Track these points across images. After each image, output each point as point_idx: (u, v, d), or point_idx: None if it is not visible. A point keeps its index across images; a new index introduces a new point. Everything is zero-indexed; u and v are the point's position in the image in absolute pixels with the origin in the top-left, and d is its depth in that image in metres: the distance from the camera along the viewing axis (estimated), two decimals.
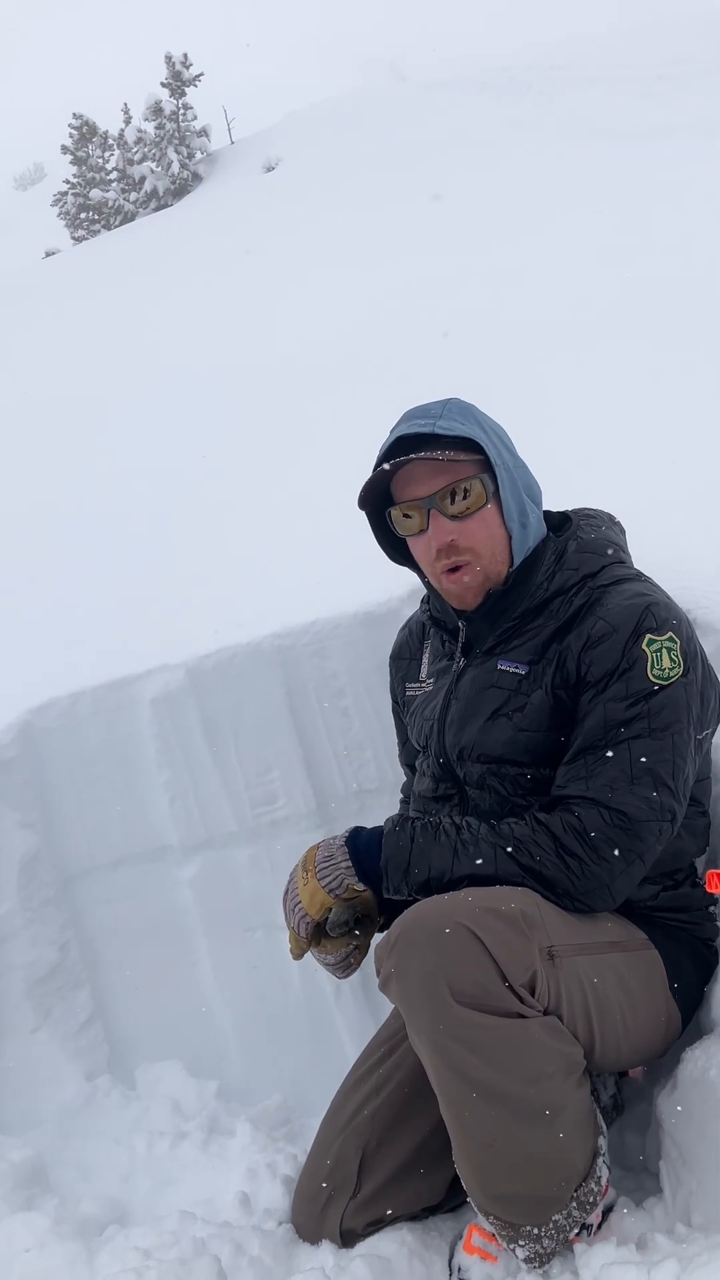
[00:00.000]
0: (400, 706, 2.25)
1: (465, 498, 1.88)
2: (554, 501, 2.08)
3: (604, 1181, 1.77)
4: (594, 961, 1.75)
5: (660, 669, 1.76)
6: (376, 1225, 1.96)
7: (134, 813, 2.64)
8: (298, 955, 1.97)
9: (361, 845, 1.85)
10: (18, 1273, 1.89)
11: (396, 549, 2.06)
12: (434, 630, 2.14)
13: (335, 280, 6.88)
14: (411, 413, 1.93)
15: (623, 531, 2.12)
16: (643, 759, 1.73)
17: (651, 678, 1.76)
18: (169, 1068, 2.58)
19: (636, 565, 2.03)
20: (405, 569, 2.11)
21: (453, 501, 1.88)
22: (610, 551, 1.96)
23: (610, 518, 2.12)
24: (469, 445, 1.88)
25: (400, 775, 2.39)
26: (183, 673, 2.64)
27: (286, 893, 1.92)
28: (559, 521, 2.06)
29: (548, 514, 2.05)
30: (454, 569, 1.92)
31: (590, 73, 16.85)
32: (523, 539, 1.93)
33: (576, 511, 2.09)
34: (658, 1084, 1.94)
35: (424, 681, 2.13)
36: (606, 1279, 1.60)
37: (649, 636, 1.77)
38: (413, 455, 1.85)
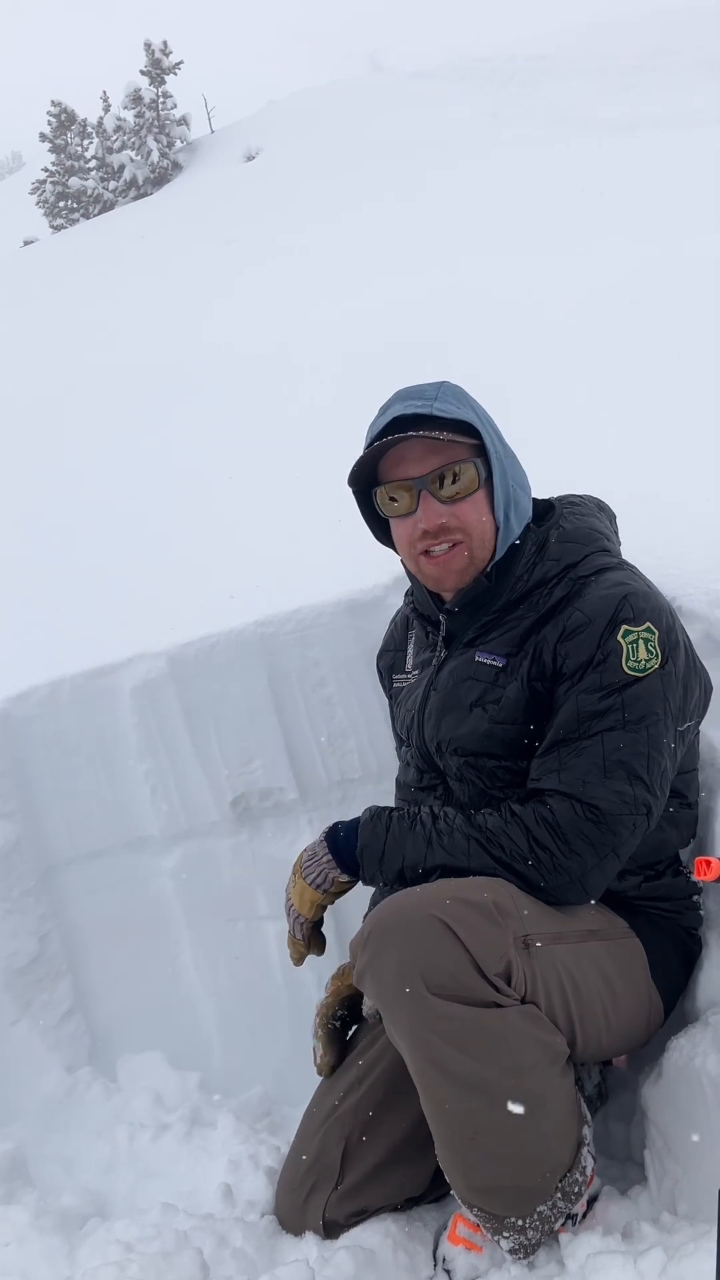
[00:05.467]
0: (390, 699, 2.23)
1: (456, 481, 1.85)
2: (544, 491, 2.05)
3: (589, 1171, 1.76)
4: (572, 950, 1.74)
5: (636, 660, 1.73)
6: (360, 1216, 1.95)
7: (114, 802, 2.62)
8: (297, 960, 2.01)
9: (340, 837, 1.88)
10: None
11: (384, 529, 2.02)
12: (417, 622, 2.12)
13: (317, 268, 6.85)
14: (405, 392, 1.90)
15: (612, 518, 2.08)
16: (616, 752, 1.70)
17: (626, 669, 1.72)
18: (150, 1059, 2.57)
19: (624, 552, 1.99)
20: (391, 554, 2.07)
21: (442, 485, 1.85)
22: (593, 540, 1.91)
23: (598, 504, 2.08)
24: (464, 429, 1.84)
25: (387, 765, 2.37)
26: (164, 661, 2.61)
27: (286, 901, 1.97)
28: (542, 510, 2.01)
29: (533, 502, 2.01)
30: (428, 552, 1.89)
31: (571, 64, 16.88)
32: (507, 531, 1.90)
33: (561, 499, 2.04)
34: (642, 1073, 1.94)
35: (409, 673, 2.12)
36: (592, 1268, 1.59)
37: (625, 627, 1.74)
38: (409, 433, 1.81)
